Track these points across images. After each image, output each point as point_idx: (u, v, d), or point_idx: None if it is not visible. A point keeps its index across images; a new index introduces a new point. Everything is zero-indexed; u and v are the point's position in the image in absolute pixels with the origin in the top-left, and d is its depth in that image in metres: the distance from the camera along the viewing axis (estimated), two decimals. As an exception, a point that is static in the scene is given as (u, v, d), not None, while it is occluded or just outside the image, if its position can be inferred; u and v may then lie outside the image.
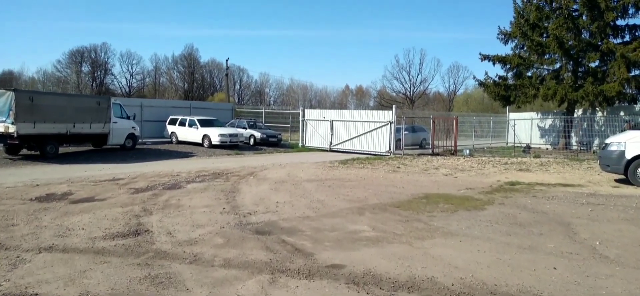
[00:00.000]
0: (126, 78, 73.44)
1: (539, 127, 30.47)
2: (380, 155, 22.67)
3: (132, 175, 13.66)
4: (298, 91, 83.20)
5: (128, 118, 21.29)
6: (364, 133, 24.00)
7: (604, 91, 23.31)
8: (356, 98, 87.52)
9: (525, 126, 29.97)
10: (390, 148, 22.92)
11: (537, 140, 29.65)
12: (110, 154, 19.66)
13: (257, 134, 26.36)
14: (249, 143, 26.22)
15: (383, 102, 68.16)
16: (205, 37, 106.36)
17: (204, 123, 24.34)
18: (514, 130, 28.87)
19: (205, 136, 23.59)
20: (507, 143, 31.82)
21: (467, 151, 23.57)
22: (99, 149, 21.07)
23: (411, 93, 70.57)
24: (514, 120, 29.90)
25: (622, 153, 12.53)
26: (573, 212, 8.96)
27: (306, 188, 11.67)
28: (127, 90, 72.25)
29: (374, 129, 23.59)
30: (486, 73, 30.53)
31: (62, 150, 19.90)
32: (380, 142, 23.39)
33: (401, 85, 70.94)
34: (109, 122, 19.74)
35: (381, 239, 6.87)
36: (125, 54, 73.43)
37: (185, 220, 7.96)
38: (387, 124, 23.03)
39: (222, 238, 6.79)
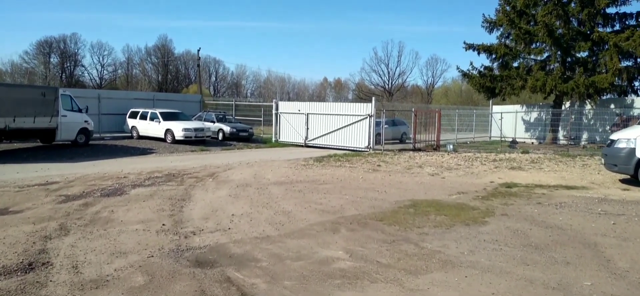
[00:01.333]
0: (97, 70, 70.06)
1: (524, 120, 29.15)
2: (359, 150, 20.99)
3: (71, 178, 11.68)
4: (275, 83, 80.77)
5: (80, 111, 19.13)
6: (342, 128, 22.25)
7: (596, 82, 21.98)
8: (335, 91, 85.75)
9: (510, 119, 28.61)
10: (369, 144, 21.24)
11: (522, 134, 28.31)
12: (58, 152, 17.57)
13: (226, 128, 24.36)
14: (217, 138, 24.24)
15: (361, 94, 66.75)
16: (180, 28, 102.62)
17: (167, 117, 22.19)
18: (500, 124, 27.51)
19: (168, 130, 21.51)
20: (490, 137, 30.51)
21: (451, 146, 22.04)
22: (47, 146, 18.94)
23: (389, 86, 69.44)
24: (501, 113, 28.52)
25: (632, 151, 11.05)
26: (593, 226, 7.35)
27: (272, 194, 9.89)
28: (98, 82, 68.84)
29: (353, 123, 21.86)
30: (471, 63, 28.94)
31: (3, 147, 17.85)
32: (359, 136, 21.68)
33: (379, 78, 69.95)
34: (57, 116, 17.66)
35: (360, 274, 5.13)
36: (96, 45, 69.53)
37: (106, 243, 6.12)
38: (366, 118, 21.33)
39: (144, 276, 4.98)
